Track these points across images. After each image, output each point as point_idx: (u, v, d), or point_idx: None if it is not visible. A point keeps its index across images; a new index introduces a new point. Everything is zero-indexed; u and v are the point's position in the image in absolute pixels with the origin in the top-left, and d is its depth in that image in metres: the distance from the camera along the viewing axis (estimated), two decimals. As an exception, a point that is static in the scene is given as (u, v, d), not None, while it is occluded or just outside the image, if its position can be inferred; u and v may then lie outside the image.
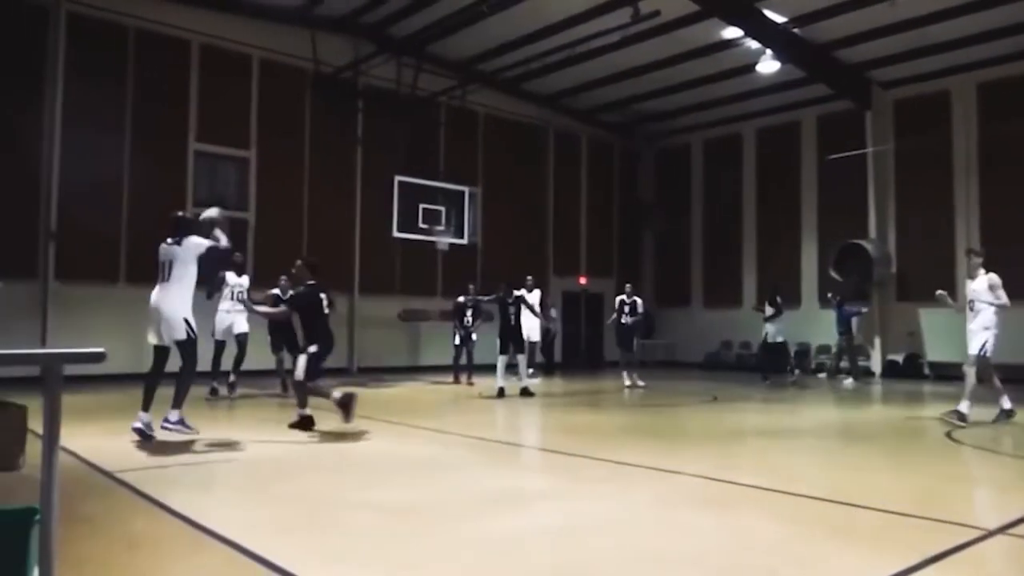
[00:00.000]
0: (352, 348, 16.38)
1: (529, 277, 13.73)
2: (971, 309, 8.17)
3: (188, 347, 6.55)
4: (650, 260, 22.48)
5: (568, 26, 14.96)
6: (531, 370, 14.51)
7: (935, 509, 4.30)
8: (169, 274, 6.56)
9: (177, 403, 6.59)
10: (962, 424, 7.81)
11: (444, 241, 15.44)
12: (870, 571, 3.17)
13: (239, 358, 10.45)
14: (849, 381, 14.53)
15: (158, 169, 14.14)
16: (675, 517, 4.14)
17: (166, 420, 6.56)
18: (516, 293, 11.64)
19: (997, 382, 8.17)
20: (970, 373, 8.17)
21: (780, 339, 14.50)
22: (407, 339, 17.27)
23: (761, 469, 5.72)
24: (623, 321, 13.39)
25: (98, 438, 6.38)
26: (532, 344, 14.10)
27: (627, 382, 13.03)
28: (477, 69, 17.56)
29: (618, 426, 8.48)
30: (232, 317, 10.39)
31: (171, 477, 5.19)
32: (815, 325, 17.55)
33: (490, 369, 11.55)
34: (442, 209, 15.67)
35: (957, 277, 16.09)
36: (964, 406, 7.97)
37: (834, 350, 15.96)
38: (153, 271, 6.76)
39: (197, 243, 6.61)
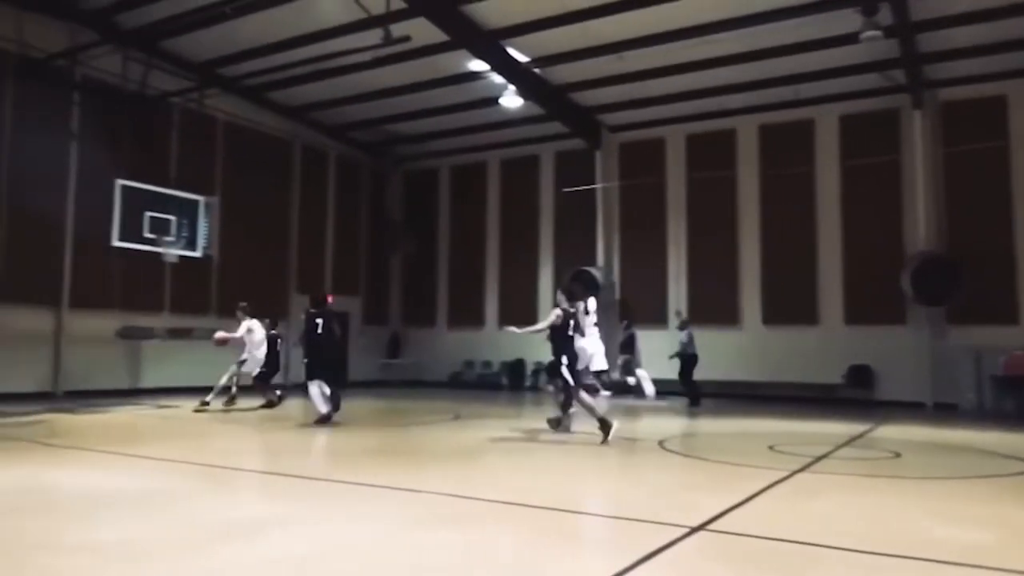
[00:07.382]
0: (57, 369, 14.43)
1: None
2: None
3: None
4: (398, 280, 22.58)
5: (318, 39, 14.63)
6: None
7: (650, 512, 4.78)
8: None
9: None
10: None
11: (172, 253, 14.17)
12: (595, 572, 3.43)
13: None
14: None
15: None
16: (418, 536, 4.15)
17: None
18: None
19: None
20: None
21: None
22: (126, 359, 15.59)
23: (499, 484, 5.94)
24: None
25: None
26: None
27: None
28: (217, 73, 16.53)
29: (362, 447, 8.35)
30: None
31: None
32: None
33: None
34: (173, 218, 14.35)
35: (668, 302, 18.17)
36: None
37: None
38: None
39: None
